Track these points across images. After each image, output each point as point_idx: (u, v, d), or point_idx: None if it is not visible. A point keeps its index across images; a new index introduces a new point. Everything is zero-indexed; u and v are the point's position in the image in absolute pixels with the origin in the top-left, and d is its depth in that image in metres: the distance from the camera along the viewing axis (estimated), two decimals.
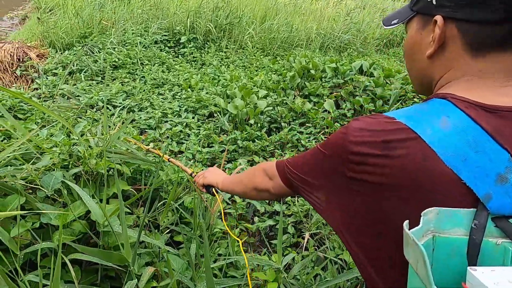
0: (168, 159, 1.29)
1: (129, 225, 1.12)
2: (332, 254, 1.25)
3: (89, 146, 1.23)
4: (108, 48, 3.79)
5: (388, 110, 2.97)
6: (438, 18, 0.46)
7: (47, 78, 3.16)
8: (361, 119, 0.49)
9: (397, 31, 6.20)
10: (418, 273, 0.37)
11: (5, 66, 3.20)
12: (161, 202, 1.30)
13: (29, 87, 3.17)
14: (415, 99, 3.20)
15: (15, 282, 0.76)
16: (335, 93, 3.25)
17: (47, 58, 3.59)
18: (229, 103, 2.72)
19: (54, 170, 1.06)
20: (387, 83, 3.36)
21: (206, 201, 1.35)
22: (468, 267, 0.37)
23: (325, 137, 2.71)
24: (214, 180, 0.94)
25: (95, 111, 2.81)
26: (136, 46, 3.99)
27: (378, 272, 0.48)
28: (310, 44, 5.20)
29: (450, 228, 0.41)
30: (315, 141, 2.61)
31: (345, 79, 3.35)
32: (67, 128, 1.39)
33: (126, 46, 4.04)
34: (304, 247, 1.44)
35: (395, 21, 0.56)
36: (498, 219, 0.40)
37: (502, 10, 0.42)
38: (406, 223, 0.39)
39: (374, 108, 3.01)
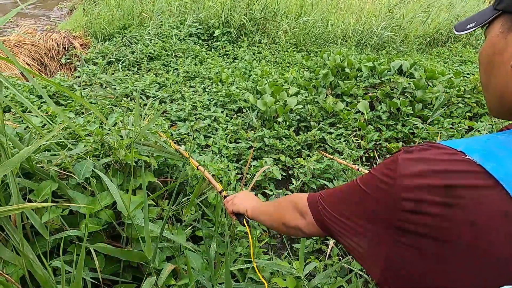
0: (197, 167, 1.26)
1: (153, 218, 1.14)
2: (357, 266, 1.18)
3: (120, 137, 1.26)
4: (145, 40, 3.90)
5: (431, 116, 2.76)
6: None
7: (88, 67, 3.33)
8: (414, 151, 0.39)
9: (443, 28, 5.76)
10: None
11: (52, 54, 3.41)
12: (186, 197, 1.30)
13: (72, 74, 3.35)
14: (459, 105, 2.95)
15: (44, 265, 0.79)
16: (370, 94, 3.09)
17: (90, 47, 3.78)
18: (258, 99, 2.69)
19: (86, 158, 1.09)
20: (428, 85, 3.13)
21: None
22: None
23: (356, 140, 2.59)
24: (244, 208, 0.86)
25: (130, 100, 2.91)
26: (171, 39, 4.07)
27: None
28: (346, 41, 5.00)
29: None
30: (346, 143, 2.50)
31: (382, 79, 3.17)
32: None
33: (162, 38, 4.14)
34: (327, 255, 1.38)
35: (471, 25, 0.47)
36: None
37: None
38: None
39: (412, 112, 2.82)
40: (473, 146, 0.36)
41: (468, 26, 0.47)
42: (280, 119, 2.48)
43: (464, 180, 0.34)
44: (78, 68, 3.32)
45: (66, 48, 3.52)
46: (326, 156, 2.29)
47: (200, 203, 1.32)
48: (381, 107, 2.87)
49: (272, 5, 4.76)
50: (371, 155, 2.53)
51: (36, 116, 1.33)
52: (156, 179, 1.35)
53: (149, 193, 1.32)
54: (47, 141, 1.04)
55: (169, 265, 0.86)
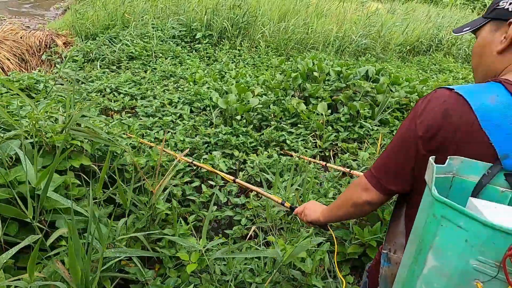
0: (234, 180, 1.49)
1: (76, 196, 1.25)
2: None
3: (55, 122, 1.38)
4: (125, 40, 4.04)
5: (376, 116, 2.94)
6: None
7: (68, 63, 3.47)
8: (428, 98, 0.64)
9: (424, 38, 5.90)
10: (428, 185, 0.51)
11: (34, 50, 3.55)
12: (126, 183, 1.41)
13: (51, 71, 3.49)
14: None
15: None
16: (335, 97, 3.21)
17: (73, 46, 3.92)
18: (223, 98, 2.81)
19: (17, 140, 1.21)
20: (391, 90, 3.26)
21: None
22: (470, 197, 0.51)
23: (314, 140, 2.70)
24: (316, 217, 0.97)
25: (103, 96, 3.04)
26: (152, 40, 4.22)
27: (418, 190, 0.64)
28: (327, 47, 5.14)
29: (468, 174, 0.56)
30: (303, 142, 2.61)
31: (348, 83, 3.30)
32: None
33: (145, 39, 4.29)
34: (248, 237, 1.48)
35: (466, 29, 0.70)
36: (509, 175, 0.54)
37: None
38: (432, 157, 0.55)
39: (370, 115, 2.94)
40: (464, 89, 0.60)
41: (464, 30, 0.71)
42: (238, 117, 2.60)
43: (454, 107, 0.59)
44: (57, 65, 3.45)
45: (48, 46, 3.66)
46: (287, 154, 2.42)
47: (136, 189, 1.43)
48: (343, 110, 2.99)
49: (254, 10, 4.91)
50: (327, 154, 2.64)
51: None
52: (92, 163, 1.46)
53: (83, 175, 1.43)
54: None
55: (63, 229, 0.96)
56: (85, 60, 3.67)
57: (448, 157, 0.56)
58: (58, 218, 1.11)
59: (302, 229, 1.52)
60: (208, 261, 1.14)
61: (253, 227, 1.46)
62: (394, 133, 2.62)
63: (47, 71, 3.45)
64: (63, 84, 2.60)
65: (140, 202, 1.31)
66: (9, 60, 3.28)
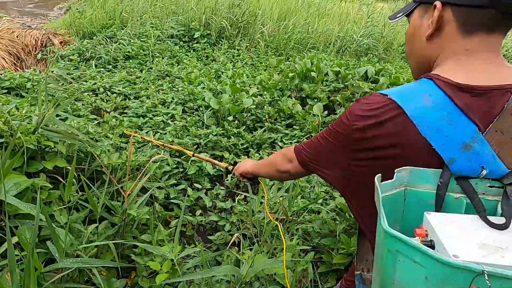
0: (193, 154, 1.44)
1: (45, 200, 1.19)
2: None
3: (28, 123, 1.32)
4: (122, 39, 4.01)
5: None
6: (437, 3, 0.55)
7: (62, 63, 3.44)
8: (361, 101, 0.59)
9: None
10: (379, 212, 0.46)
11: (29, 49, 3.53)
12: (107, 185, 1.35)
13: (46, 70, 3.46)
14: None
15: None
16: (332, 98, 3.12)
17: (70, 45, 3.90)
18: (215, 98, 2.74)
19: None
20: None
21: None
22: (425, 212, 0.47)
23: None
24: (244, 168, 1.07)
25: (96, 96, 3.00)
26: (150, 39, 4.17)
27: (364, 217, 0.65)
28: (328, 47, 5.04)
29: (420, 184, 0.52)
30: (297, 144, 2.53)
31: (346, 83, 3.20)
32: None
33: (142, 38, 4.25)
34: (230, 245, 1.41)
35: (400, 14, 0.66)
36: (460, 179, 0.51)
37: None
38: (378, 176, 0.51)
39: None
40: (394, 91, 0.56)
41: (397, 16, 0.66)
42: (230, 118, 2.53)
43: (387, 114, 0.54)
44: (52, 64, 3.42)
45: (44, 45, 3.64)
46: None
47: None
48: (340, 111, 2.90)
49: (254, 9, 4.85)
50: None
51: None
52: (67, 165, 1.40)
53: (58, 177, 1.38)
54: None
55: (14, 238, 0.90)
56: (81, 59, 3.64)
57: (395, 171, 0.52)
58: (22, 223, 1.05)
59: (287, 236, 1.44)
60: (180, 271, 1.07)
61: (236, 234, 1.38)
62: None
63: (41, 71, 3.42)
64: (51, 83, 2.56)
65: (113, 207, 1.24)
66: (4, 59, 3.27)
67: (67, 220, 1.11)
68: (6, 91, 2.61)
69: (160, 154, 1.65)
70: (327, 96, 3.11)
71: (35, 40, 3.61)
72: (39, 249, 0.98)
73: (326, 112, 2.91)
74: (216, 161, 1.34)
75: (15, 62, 3.39)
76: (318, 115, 2.75)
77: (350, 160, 0.60)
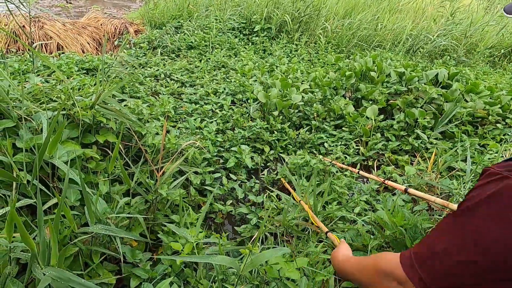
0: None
1: (95, 170, 1.32)
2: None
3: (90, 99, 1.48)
4: (187, 30, 4.24)
5: (436, 127, 2.44)
6: None
7: (133, 49, 3.80)
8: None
9: None
10: None
11: (110, 36, 3.97)
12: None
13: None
14: (498, 125, 2.51)
15: None
16: (391, 101, 2.85)
17: (142, 33, 4.28)
18: (265, 91, 2.72)
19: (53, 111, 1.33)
20: (465, 99, 2.74)
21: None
22: None
23: (356, 146, 2.42)
24: (339, 256, 0.80)
25: (157, 81, 3.25)
26: (211, 31, 4.34)
27: None
28: (396, 46, 4.62)
29: None
30: (345, 148, 2.37)
31: (409, 87, 2.89)
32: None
33: (206, 30, 4.44)
34: (253, 239, 1.39)
35: None
36: None
37: None
38: None
39: (431, 125, 2.51)
40: None
41: None
42: (275, 113, 2.48)
43: None
44: (124, 50, 3.80)
45: (121, 33, 4.06)
46: (325, 160, 2.16)
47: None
48: (399, 116, 2.63)
49: (318, 4, 4.67)
50: (370, 164, 2.36)
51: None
52: (117, 141, 1.53)
53: (108, 151, 1.52)
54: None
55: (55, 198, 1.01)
56: (149, 47, 3.96)
57: None
58: (69, 187, 1.18)
59: (314, 240, 1.36)
60: (198, 255, 1.09)
61: (260, 230, 1.35)
62: (456, 151, 2.19)
63: (115, 55, 3.82)
64: (123, 67, 2.84)
65: (147, 184, 1.32)
66: (88, 43, 3.74)
67: (108, 190, 1.21)
68: (85, 71, 2.99)
69: (196, 142, 1.70)
70: (386, 99, 2.85)
71: (115, 28, 4.05)
72: (78, 212, 1.09)
73: (382, 116, 2.67)
74: (320, 223, 1.22)
75: (97, 47, 3.86)
76: (371, 119, 2.53)
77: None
